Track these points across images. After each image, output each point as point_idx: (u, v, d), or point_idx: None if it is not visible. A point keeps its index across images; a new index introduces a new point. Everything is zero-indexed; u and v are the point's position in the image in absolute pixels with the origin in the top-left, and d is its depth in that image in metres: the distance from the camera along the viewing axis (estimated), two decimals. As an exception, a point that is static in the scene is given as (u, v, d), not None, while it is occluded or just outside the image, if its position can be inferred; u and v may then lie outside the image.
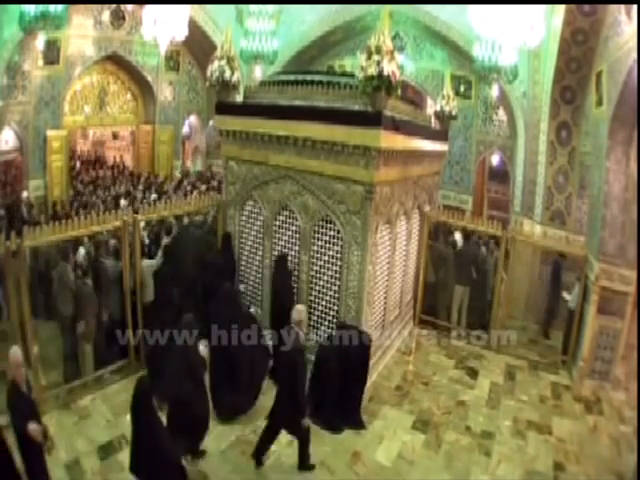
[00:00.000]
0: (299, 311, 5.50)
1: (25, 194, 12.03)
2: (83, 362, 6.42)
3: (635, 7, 6.10)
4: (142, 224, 7.90)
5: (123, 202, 11.59)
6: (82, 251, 7.67)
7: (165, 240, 7.57)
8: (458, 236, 9.35)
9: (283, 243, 7.29)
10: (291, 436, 5.42)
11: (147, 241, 8.30)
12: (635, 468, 5.22)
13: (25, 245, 5.52)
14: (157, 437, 4.34)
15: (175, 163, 17.25)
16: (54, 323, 6.72)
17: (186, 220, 8.43)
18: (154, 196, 11.98)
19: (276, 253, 7.35)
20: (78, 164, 18.39)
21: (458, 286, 8.77)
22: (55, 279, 6.46)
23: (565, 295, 8.36)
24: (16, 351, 4.29)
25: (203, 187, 13.77)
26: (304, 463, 5.34)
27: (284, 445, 5.62)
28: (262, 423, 5.89)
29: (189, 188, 13.51)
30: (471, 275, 8.71)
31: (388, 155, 6.29)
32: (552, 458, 5.79)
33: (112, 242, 7.75)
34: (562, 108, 9.42)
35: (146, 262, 7.06)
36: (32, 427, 4.10)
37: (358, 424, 6.15)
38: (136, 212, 7.04)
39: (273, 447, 5.52)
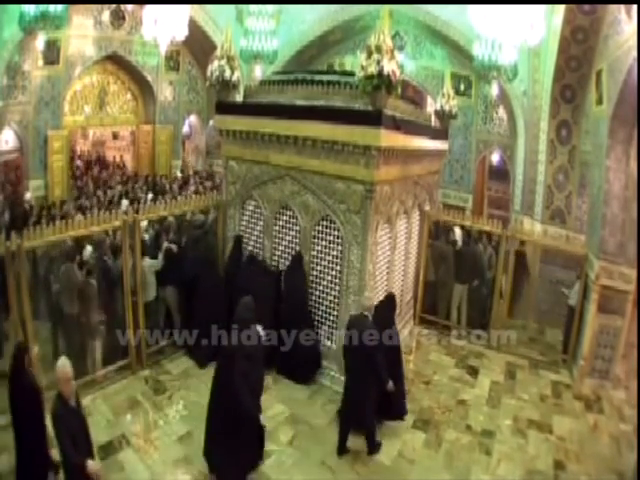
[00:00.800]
0: (369, 298, 5.76)
1: (28, 195, 12.06)
2: (88, 360, 6.44)
3: (635, 6, 6.10)
4: (145, 223, 7.97)
5: (124, 202, 11.56)
6: (89, 249, 7.61)
7: (166, 244, 7.55)
8: (458, 234, 9.35)
9: (285, 243, 7.29)
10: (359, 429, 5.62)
11: (147, 237, 8.28)
12: (635, 467, 5.22)
13: (25, 245, 5.51)
14: (239, 397, 4.51)
15: (175, 163, 17.26)
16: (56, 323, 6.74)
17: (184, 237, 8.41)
18: (150, 196, 11.90)
19: (278, 253, 7.36)
20: (79, 162, 18.39)
21: (457, 284, 8.76)
22: (61, 279, 6.46)
23: (564, 290, 8.36)
24: (65, 364, 3.92)
25: (208, 183, 13.85)
26: (373, 449, 5.58)
27: (284, 444, 5.63)
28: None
29: (193, 189, 13.49)
30: (471, 273, 8.70)
31: (388, 154, 6.29)
32: (552, 457, 5.79)
33: (107, 242, 7.76)
34: (562, 107, 9.42)
35: (147, 261, 7.07)
36: (91, 466, 3.82)
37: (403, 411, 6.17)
38: (136, 212, 7.03)
39: (274, 446, 5.53)
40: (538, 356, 8.23)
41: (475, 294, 8.75)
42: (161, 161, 16.77)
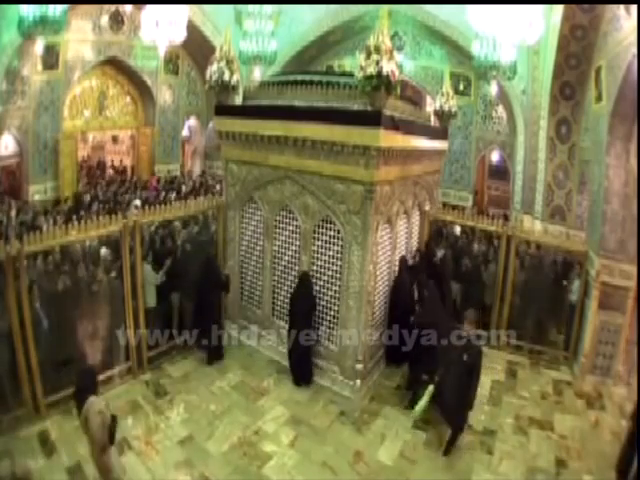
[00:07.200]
0: None
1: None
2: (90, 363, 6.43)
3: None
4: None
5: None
6: (103, 251, 7.60)
7: (168, 261, 7.47)
8: (458, 233, 9.34)
9: (286, 244, 7.28)
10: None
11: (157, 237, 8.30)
12: (637, 463, 5.20)
13: (26, 250, 5.52)
14: None
15: (173, 166, 17.33)
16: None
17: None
18: (137, 202, 11.53)
19: (279, 254, 7.35)
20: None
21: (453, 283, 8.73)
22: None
23: (564, 281, 8.35)
24: None
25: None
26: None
27: (286, 446, 5.63)
28: (264, 424, 5.95)
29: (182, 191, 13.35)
30: (469, 271, 8.68)
31: (388, 154, 6.29)
32: (554, 455, 5.79)
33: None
34: (562, 104, 9.42)
35: (147, 268, 7.06)
36: None
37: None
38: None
39: (275, 448, 5.54)
40: (539, 354, 8.21)
41: (474, 293, 8.73)
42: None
